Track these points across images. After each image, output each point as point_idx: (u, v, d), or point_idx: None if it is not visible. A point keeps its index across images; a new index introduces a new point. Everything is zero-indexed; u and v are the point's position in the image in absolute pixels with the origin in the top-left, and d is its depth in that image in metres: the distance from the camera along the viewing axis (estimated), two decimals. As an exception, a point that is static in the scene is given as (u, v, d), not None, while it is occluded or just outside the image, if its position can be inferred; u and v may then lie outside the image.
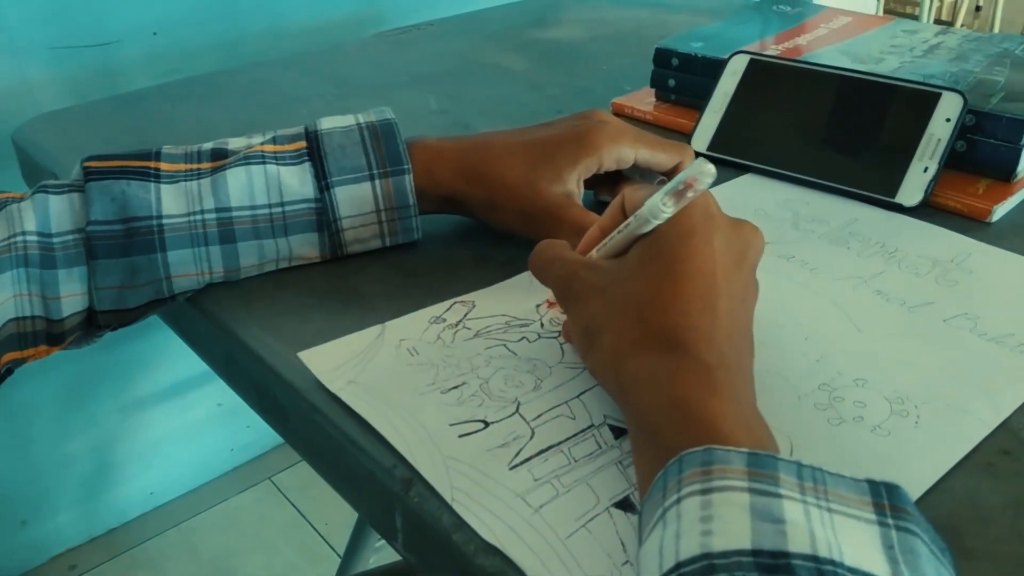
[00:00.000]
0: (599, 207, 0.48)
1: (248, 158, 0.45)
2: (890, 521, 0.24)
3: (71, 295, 0.41)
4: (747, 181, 0.56)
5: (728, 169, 0.58)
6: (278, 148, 0.46)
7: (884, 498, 0.25)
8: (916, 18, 2.76)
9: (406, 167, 0.46)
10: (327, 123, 0.47)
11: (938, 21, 3.31)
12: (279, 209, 0.45)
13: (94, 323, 0.43)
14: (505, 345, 0.40)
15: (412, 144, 0.48)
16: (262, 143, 0.46)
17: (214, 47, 1.15)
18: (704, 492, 0.24)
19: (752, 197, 0.54)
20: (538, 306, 0.43)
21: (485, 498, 0.31)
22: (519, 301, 0.43)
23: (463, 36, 0.89)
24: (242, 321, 0.43)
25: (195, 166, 0.45)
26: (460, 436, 0.34)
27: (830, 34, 0.68)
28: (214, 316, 0.44)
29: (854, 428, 0.34)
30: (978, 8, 3.89)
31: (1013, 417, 0.35)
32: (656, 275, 0.33)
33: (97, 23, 1.06)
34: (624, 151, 0.48)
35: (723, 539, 0.23)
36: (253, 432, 1.42)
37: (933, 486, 0.32)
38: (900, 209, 0.51)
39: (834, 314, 0.42)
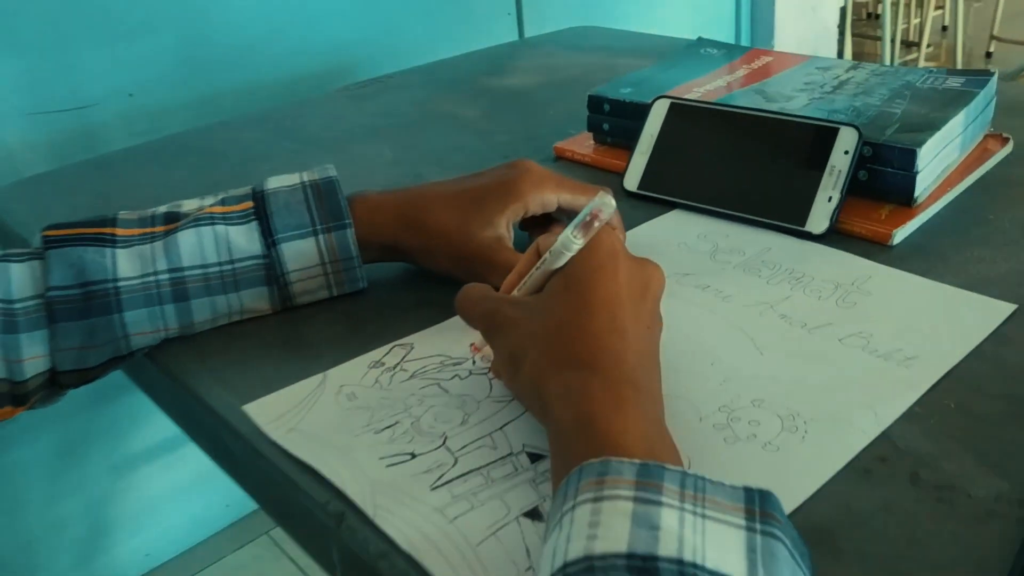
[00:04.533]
0: None
1: (198, 220, 0.48)
2: (757, 526, 0.27)
3: (33, 357, 0.45)
4: (673, 217, 0.60)
5: (657, 206, 0.62)
6: (227, 209, 0.50)
7: (756, 504, 0.28)
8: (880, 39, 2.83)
9: (347, 222, 0.50)
10: (273, 183, 0.51)
11: (905, 42, 3.39)
12: (229, 266, 0.49)
13: (56, 383, 0.47)
14: (438, 384, 0.44)
15: (354, 199, 0.52)
16: (212, 205, 0.50)
17: (189, 105, 1.20)
18: (596, 500, 0.28)
19: (676, 232, 0.58)
20: (473, 343, 0.47)
21: (404, 512, 0.35)
22: (454, 341, 0.47)
23: (420, 87, 0.94)
24: (195, 374, 0.47)
25: (149, 230, 0.48)
26: (388, 466, 0.38)
27: (750, 74, 0.72)
28: (169, 370, 0.47)
29: (747, 445, 0.38)
30: (944, 28, 4.00)
31: (893, 426, 0.39)
32: (570, 304, 0.37)
33: (74, 87, 1.10)
34: (547, 196, 0.52)
35: (604, 543, 0.26)
36: (243, 484, 1.43)
37: (814, 493, 0.35)
38: (809, 237, 0.55)
39: (739, 339, 0.46)
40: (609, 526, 0.27)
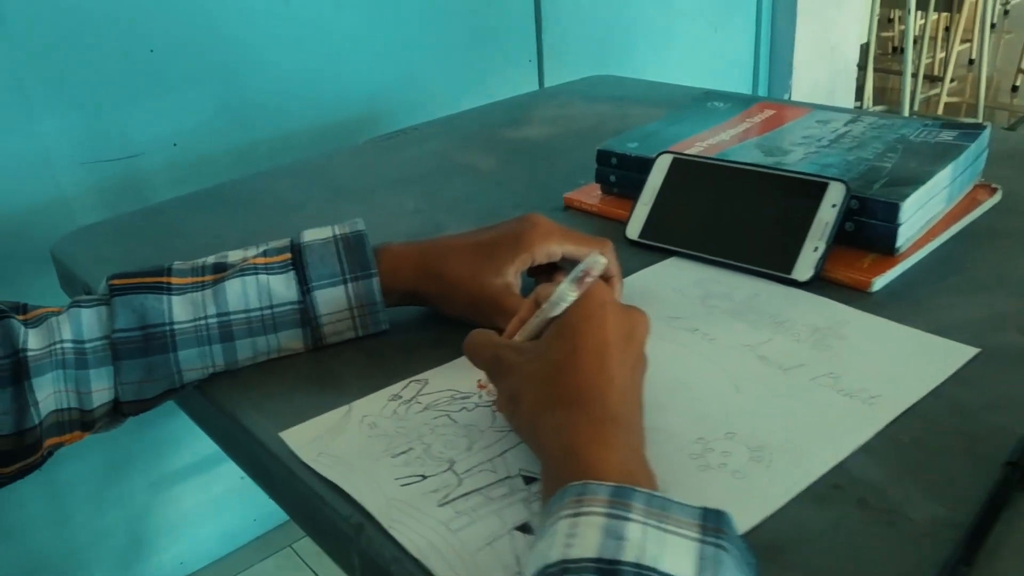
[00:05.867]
0: None
1: (243, 270, 0.55)
2: (709, 539, 0.32)
3: (100, 389, 0.52)
4: (670, 264, 0.66)
5: (656, 254, 0.67)
6: (268, 260, 0.56)
7: (710, 521, 0.33)
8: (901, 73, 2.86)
9: (373, 271, 0.56)
10: (308, 235, 0.58)
11: (929, 77, 3.41)
12: (269, 311, 0.55)
13: (119, 411, 0.53)
14: (448, 415, 0.49)
15: (380, 250, 0.58)
16: (255, 256, 0.57)
17: (228, 153, 1.28)
18: (574, 515, 0.33)
19: (672, 278, 0.63)
20: (479, 380, 0.52)
21: (415, 524, 0.40)
22: (464, 377, 0.53)
23: (442, 138, 1.00)
24: (238, 404, 0.53)
25: (200, 279, 0.55)
26: (402, 486, 0.43)
27: (752, 128, 0.78)
28: (216, 401, 0.54)
29: (717, 472, 0.43)
30: (971, 61, 4.01)
31: (850, 457, 0.44)
32: (563, 349, 0.43)
33: (123, 138, 1.19)
34: (552, 248, 0.57)
35: (578, 550, 0.31)
36: (274, 503, 1.51)
37: (772, 515, 0.40)
38: (795, 284, 0.60)
39: (720, 378, 0.51)
40: (583, 536, 0.32)
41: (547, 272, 0.61)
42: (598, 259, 0.44)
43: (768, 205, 0.64)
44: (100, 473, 1.33)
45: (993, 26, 4.52)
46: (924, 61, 3.40)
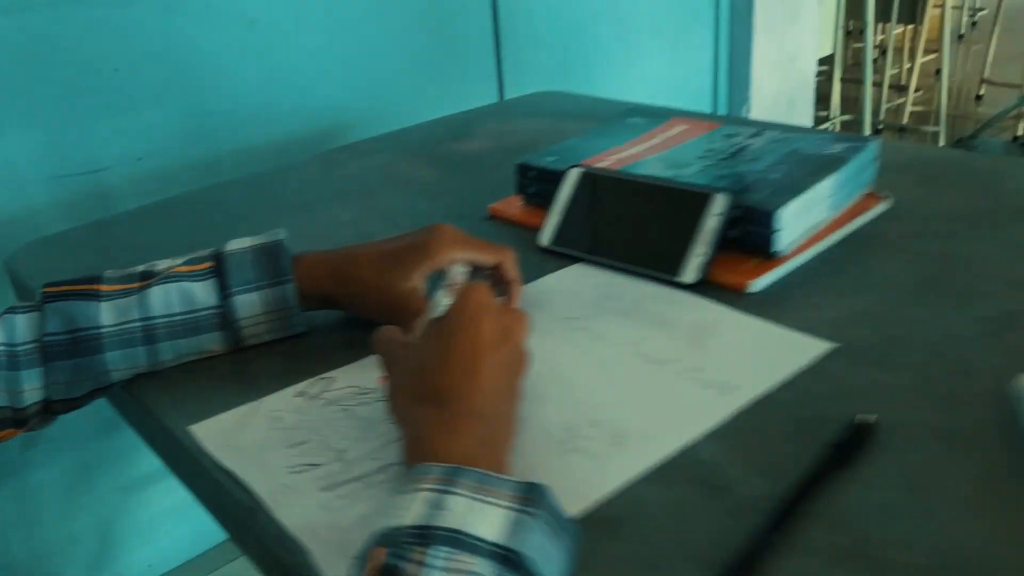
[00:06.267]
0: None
1: (167, 277, 0.60)
2: (517, 507, 0.37)
3: (31, 389, 0.56)
4: (576, 269, 0.71)
5: (566, 260, 0.72)
6: (191, 268, 0.61)
7: (527, 494, 0.38)
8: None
9: (288, 278, 0.61)
10: (231, 245, 0.62)
11: (897, 87, 3.48)
12: (191, 315, 0.60)
13: (49, 410, 0.58)
14: (348, 409, 0.54)
15: (297, 258, 0.63)
16: (180, 264, 0.61)
17: (193, 167, 1.33)
18: (409, 492, 0.38)
19: (575, 282, 0.68)
20: (380, 376, 0.57)
21: (298, 508, 0.45)
22: (369, 375, 0.57)
23: (387, 152, 1.05)
24: (158, 401, 0.57)
25: (127, 286, 0.60)
26: (292, 473, 0.48)
27: (663, 143, 0.83)
28: (139, 399, 0.58)
29: (577, 456, 0.48)
30: (938, 72, 4.08)
31: (699, 442, 0.48)
32: (434, 348, 0.48)
33: (89, 152, 1.24)
34: (455, 254, 0.62)
35: (405, 519, 0.36)
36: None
37: (620, 493, 0.45)
38: (682, 286, 0.65)
39: (598, 372, 0.56)
40: (411, 508, 0.37)
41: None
42: (460, 270, 0.50)
43: (660, 214, 0.69)
44: (70, 477, 1.37)
45: (961, 37, 4.62)
46: (891, 72, 3.48)
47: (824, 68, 3.07)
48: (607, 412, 0.51)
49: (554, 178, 0.78)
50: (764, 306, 0.62)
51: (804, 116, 2.39)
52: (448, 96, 1.61)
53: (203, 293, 0.60)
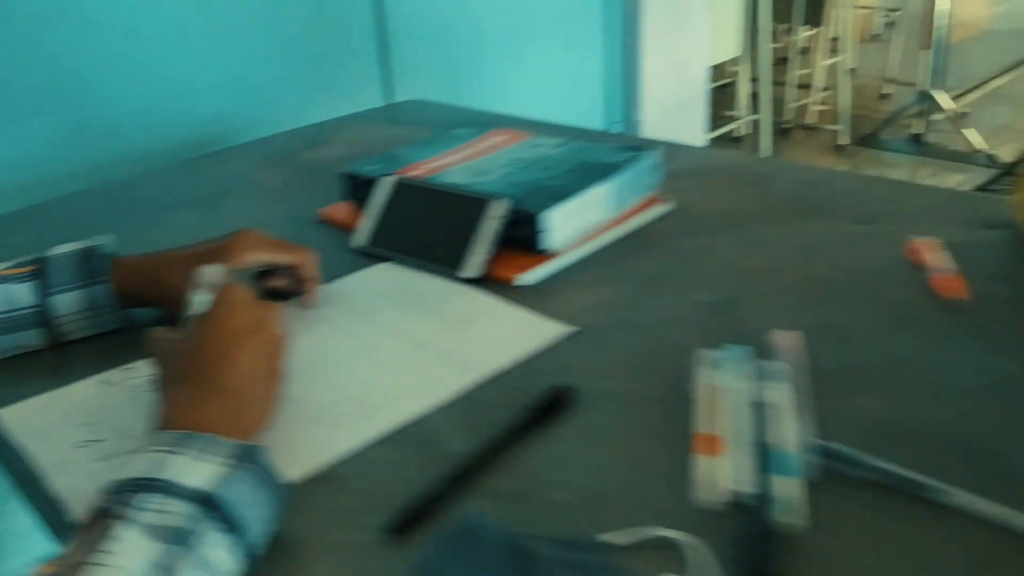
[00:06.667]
0: (270, 294, 0.71)
1: (-8, 280, 0.67)
2: (230, 463, 0.45)
3: None
4: (383, 268, 0.79)
5: (376, 259, 0.80)
6: (17, 271, 0.68)
7: (241, 453, 0.46)
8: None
9: (105, 279, 0.68)
10: (56, 249, 0.69)
11: (805, 86, 3.64)
12: (15, 313, 0.67)
13: None
14: (140, 395, 0.62)
15: (117, 261, 0.70)
16: (6, 268, 0.68)
17: (78, 177, 1.37)
18: (143, 451, 0.46)
19: (377, 279, 0.77)
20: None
21: (73, 477, 0.52)
22: (170, 364, 0.65)
23: (246, 159, 1.13)
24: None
25: None
26: (76, 447, 0.55)
27: (476, 152, 0.92)
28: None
29: (325, 427, 0.56)
30: (852, 70, 4.27)
31: (433, 413, 0.57)
32: (194, 338, 0.55)
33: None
34: (258, 256, 0.70)
35: (129, 472, 0.44)
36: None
37: (354, 455, 0.53)
38: (465, 280, 0.74)
39: (366, 355, 0.64)
40: (136, 463, 0.45)
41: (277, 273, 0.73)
42: (208, 270, 0.59)
43: (451, 218, 0.78)
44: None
45: (876, 37, 4.82)
46: (800, 71, 3.64)
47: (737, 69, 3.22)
48: (361, 389, 0.60)
49: (372, 185, 0.86)
50: (530, 297, 0.71)
51: (697, 118, 2.51)
52: (334, 103, 1.68)
53: (25, 293, 0.67)
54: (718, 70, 3.42)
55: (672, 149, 1.04)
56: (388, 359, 0.64)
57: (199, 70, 1.47)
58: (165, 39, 1.42)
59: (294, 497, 0.49)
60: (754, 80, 3.86)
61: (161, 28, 1.41)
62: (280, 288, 0.72)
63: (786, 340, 0.60)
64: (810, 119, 3.49)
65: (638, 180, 0.84)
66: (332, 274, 0.76)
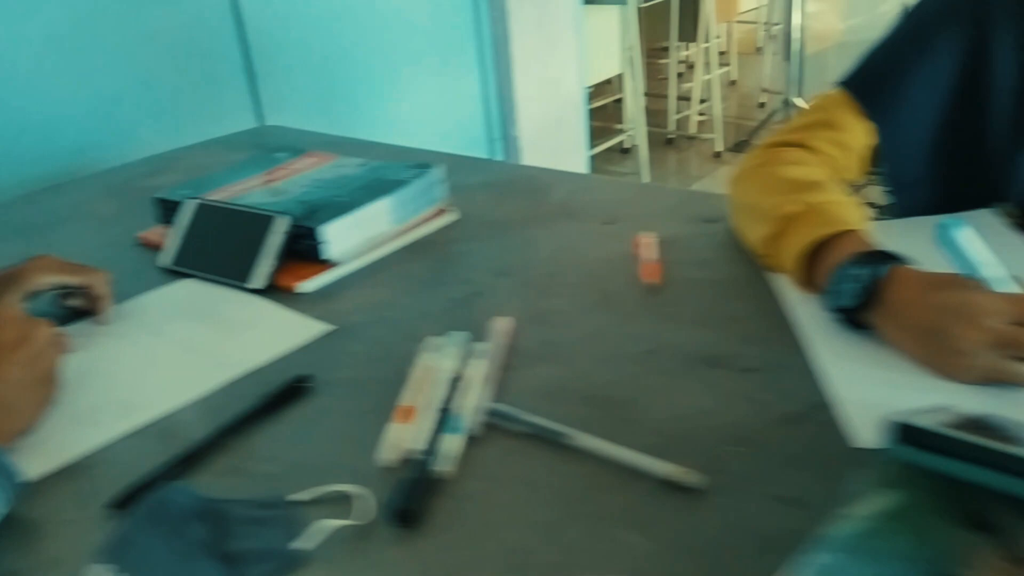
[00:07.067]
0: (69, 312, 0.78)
1: None
2: None
3: None
4: (182, 284, 0.86)
5: (180, 277, 0.88)
6: None
7: None
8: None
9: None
10: None
11: (687, 98, 3.83)
12: None
13: None
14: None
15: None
16: None
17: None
18: None
19: (175, 294, 0.84)
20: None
21: None
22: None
23: (87, 190, 1.19)
24: None
25: None
26: None
27: (284, 174, 1.00)
28: None
29: (83, 427, 0.63)
30: (732, 82, 4.49)
31: (186, 406, 0.65)
32: None
33: None
34: (50, 278, 0.77)
35: None
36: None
37: (104, 447, 0.61)
38: (254, 291, 0.82)
39: (142, 364, 0.71)
40: None
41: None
42: None
43: (243, 234, 0.86)
44: None
45: (759, 49, 5.08)
46: (682, 85, 3.82)
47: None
48: (127, 392, 0.67)
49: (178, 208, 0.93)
50: (307, 302, 0.80)
51: (576, 133, 2.64)
52: (202, 133, 1.75)
53: None
54: (608, 87, 3.58)
55: (469, 164, 1.14)
56: (160, 364, 0.71)
57: (58, 105, 1.52)
58: (21, 74, 1.46)
59: (39, 487, 0.56)
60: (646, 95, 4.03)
61: (19, 60, 1.45)
62: (77, 307, 0.79)
63: (501, 325, 0.69)
64: (692, 130, 3.66)
65: (422, 194, 0.94)
66: (139, 292, 0.84)
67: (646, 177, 3.23)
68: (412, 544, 0.49)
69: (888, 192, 0.82)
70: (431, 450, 0.55)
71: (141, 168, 1.27)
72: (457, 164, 1.13)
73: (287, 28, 1.92)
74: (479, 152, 2.47)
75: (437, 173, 0.95)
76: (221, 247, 0.87)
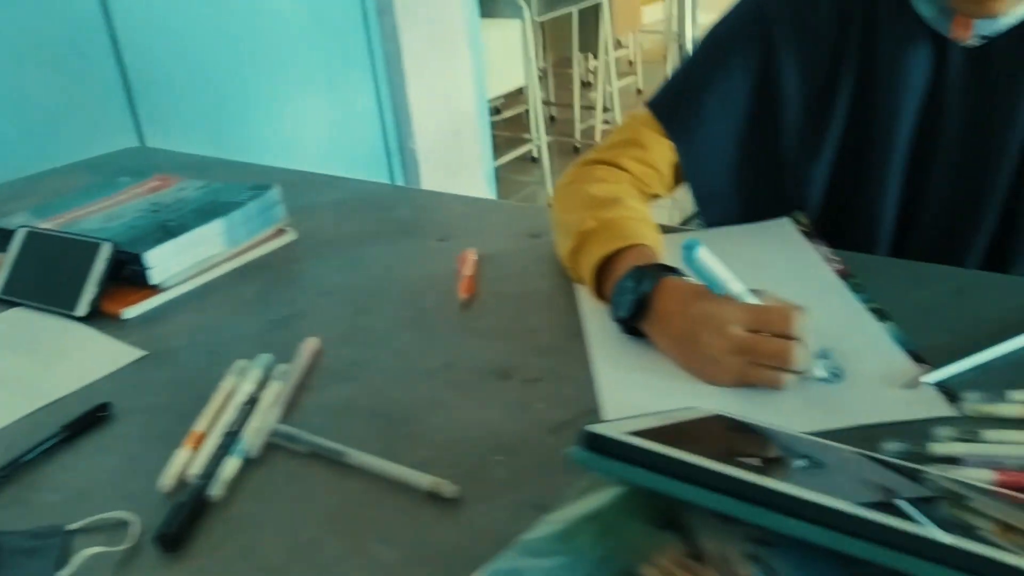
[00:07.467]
0: None
1: None
2: None
3: None
4: (10, 313, 0.85)
5: (10, 306, 0.87)
6: None
7: None
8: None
9: None
10: None
11: (592, 107, 3.90)
12: None
13: None
14: None
15: None
16: None
17: None
18: None
19: (10, 324, 0.83)
20: None
21: None
22: None
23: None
24: None
25: None
26: None
27: (124, 199, 1.00)
28: None
29: None
30: (638, 91, 4.59)
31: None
32: None
33: None
34: None
35: None
36: None
37: None
38: (80, 319, 0.82)
39: (-56, 396, 0.71)
40: None
41: None
42: None
43: (69, 262, 0.86)
44: None
45: (666, 58, 5.20)
46: (589, 95, 3.90)
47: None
48: None
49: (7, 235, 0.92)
50: (131, 328, 0.80)
51: (472, 144, 2.67)
52: (82, 152, 1.72)
53: None
54: (520, 97, 3.63)
55: (322, 182, 1.15)
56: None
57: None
58: None
59: None
60: (549, 104, 4.10)
61: None
62: None
63: (307, 345, 0.71)
64: (597, 138, 3.74)
65: (258, 215, 0.95)
66: (-37, 323, 0.83)
67: (549, 186, 3.28)
68: (173, 568, 0.50)
69: (695, 204, 0.87)
70: (208, 474, 0.56)
71: (2, 192, 1.25)
72: (309, 182, 1.14)
73: (165, 43, 1.90)
74: (379, 166, 2.48)
75: (274, 194, 0.97)
76: (49, 275, 0.87)
